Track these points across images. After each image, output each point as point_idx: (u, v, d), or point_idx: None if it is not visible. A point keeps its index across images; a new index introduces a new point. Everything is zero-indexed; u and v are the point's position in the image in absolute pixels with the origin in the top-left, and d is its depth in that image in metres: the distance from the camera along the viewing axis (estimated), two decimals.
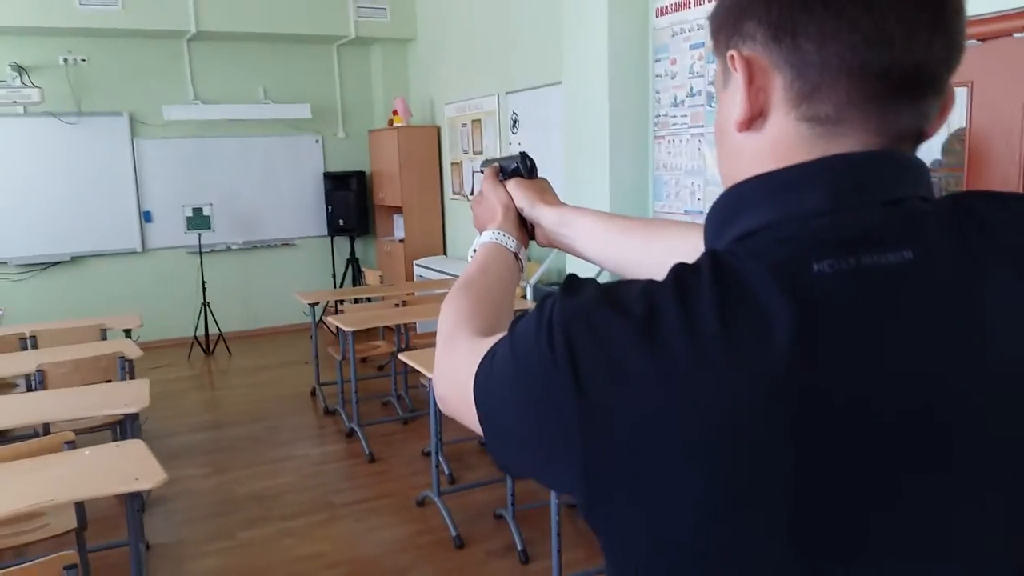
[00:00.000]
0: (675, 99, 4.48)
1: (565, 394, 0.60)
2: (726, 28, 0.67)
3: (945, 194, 0.67)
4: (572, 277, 0.67)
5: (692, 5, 4.28)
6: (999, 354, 0.59)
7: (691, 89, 4.36)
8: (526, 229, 1.11)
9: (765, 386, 0.55)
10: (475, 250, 1.06)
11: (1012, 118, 3.03)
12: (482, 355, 0.72)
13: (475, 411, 0.72)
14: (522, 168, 1.13)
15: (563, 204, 1.10)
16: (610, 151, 4.57)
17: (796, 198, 0.62)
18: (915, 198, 0.63)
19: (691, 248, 0.64)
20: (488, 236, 1.06)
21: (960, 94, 3.18)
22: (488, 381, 0.70)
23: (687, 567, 0.60)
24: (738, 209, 0.66)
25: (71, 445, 2.77)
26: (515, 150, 5.90)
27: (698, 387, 0.56)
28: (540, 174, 1.16)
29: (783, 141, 0.65)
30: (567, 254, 1.13)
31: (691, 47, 4.32)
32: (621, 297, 0.62)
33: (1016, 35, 2.97)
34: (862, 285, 0.58)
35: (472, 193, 6.96)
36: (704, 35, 4.21)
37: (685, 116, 4.42)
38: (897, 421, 0.56)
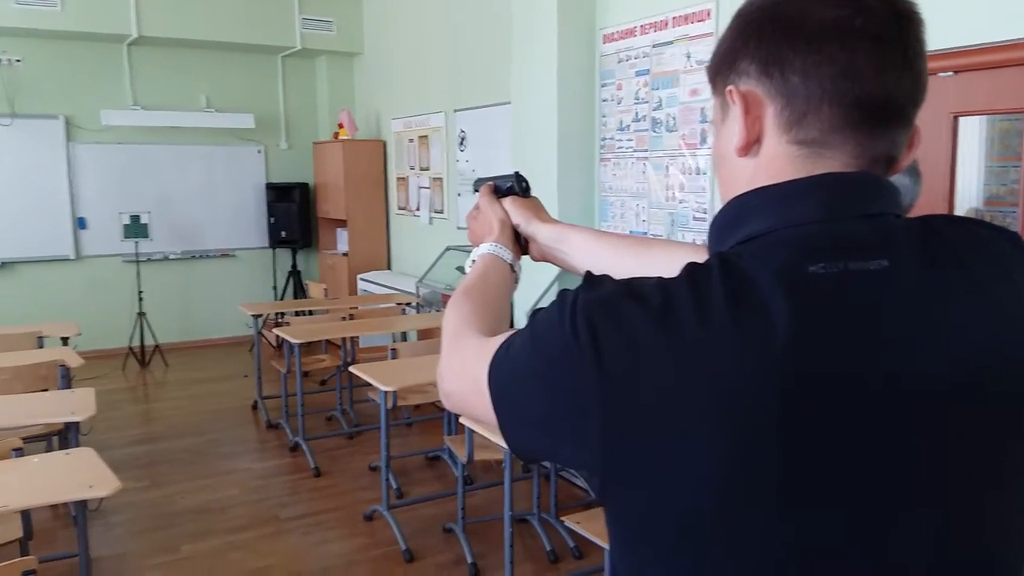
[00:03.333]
0: (621, 123, 4.63)
1: (587, 374, 0.68)
2: (723, 69, 0.78)
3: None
4: (590, 274, 0.76)
5: (638, 33, 4.44)
6: (957, 349, 0.69)
7: (636, 114, 4.51)
8: (520, 244, 1.19)
9: (766, 367, 0.64)
10: (474, 261, 1.13)
11: (939, 153, 3.25)
12: (493, 350, 0.79)
13: (487, 400, 0.78)
14: (517, 187, 1.21)
15: (557, 222, 1.18)
16: (558, 172, 4.69)
17: (792, 208, 0.72)
18: (889, 214, 0.73)
19: (679, 264, 0.73)
20: (486, 248, 1.13)
21: None
22: (504, 369, 0.77)
23: (696, 529, 0.68)
24: (741, 217, 0.75)
25: (19, 452, 2.71)
26: (464, 167, 5.99)
27: (708, 367, 0.65)
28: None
29: (776, 161, 0.75)
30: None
31: (637, 73, 4.48)
32: (639, 289, 0.70)
33: (941, 75, 3.20)
34: (848, 286, 0.68)
35: (418, 209, 7.00)
36: (649, 62, 4.38)
37: (630, 140, 4.57)
38: (873, 399, 0.66)
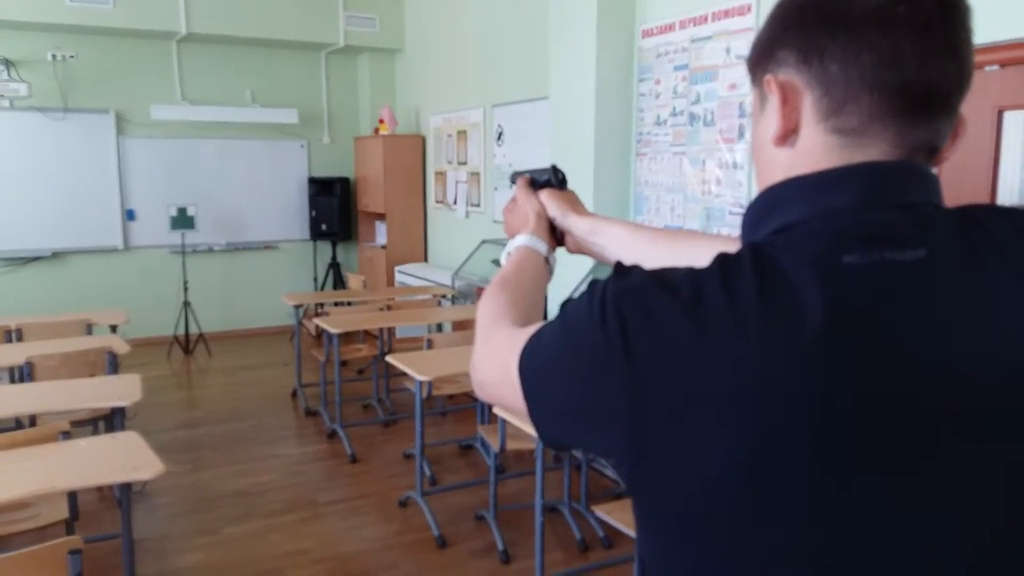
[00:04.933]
0: (658, 118, 4.62)
1: (616, 364, 0.68)
2: (762, 60, 0.77)
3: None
4: (620, 264, 0.76)
5: (677, 28, 4.42)
6: (995, 341, 0.67)
7: (674, 109, 4.50)
8: (555, 236, 1.19)
9: (798, 358, 0.63)
10: (509, 253, 1.14)
11: (982, 148, 3.19)
12: (525, 339, 0.80)
13: (518, 389, 0.79)
14: (554, 180, 1.22)
15: (594, 214, 1.18)
16: (594, 166, 4.70)
17: (828, 197, 0.71)
18: (928, 204, 0.71)
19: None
20: (522, 240, 1.13)
21: None
22: (535, 358, 0.78)
23: (722, 522, 0.67)
24: (774, 206, 0.74)
25: (66, 435, 2.80)
26: (501, 162, 5.99)
27: (737, 358, 0.64)
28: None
29: (813, 150, 0.73)
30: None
31: (675, 68, 4.46)
32: (669, 279, 0.70)
33: (987, 68, 3.14)
34: (884, 277, 0.66)
35: (455, 203, 7.05)
36: (687, 57, 4.36)
37: (667, 135, 4.56)
38: (908, 394, 0.65)
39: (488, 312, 0.96)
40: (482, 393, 0.92)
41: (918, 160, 0.72)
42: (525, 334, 0.81)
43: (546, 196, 1.20)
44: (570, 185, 1.24)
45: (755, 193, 0.80)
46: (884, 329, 0.65)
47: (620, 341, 0.67)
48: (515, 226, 1.19)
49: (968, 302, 0.67)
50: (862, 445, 0.64)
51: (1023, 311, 0.68)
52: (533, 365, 0.78)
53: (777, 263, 0.67)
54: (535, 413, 0.79)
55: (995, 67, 3.12)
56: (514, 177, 1.27)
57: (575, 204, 1.19)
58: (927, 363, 0.65)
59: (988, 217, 0.73)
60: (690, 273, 0.69)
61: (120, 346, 4.11)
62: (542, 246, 1.13)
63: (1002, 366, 0.66)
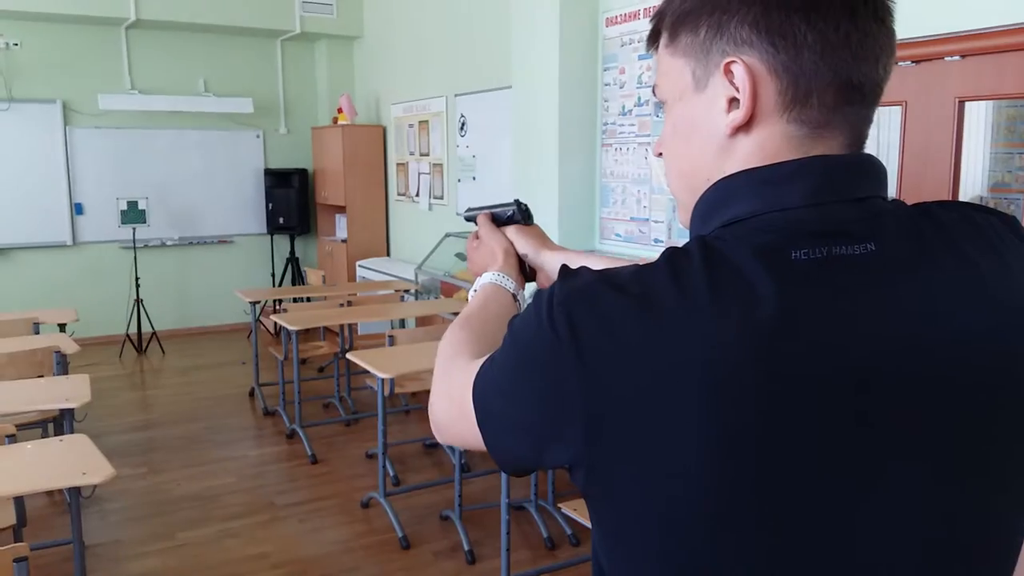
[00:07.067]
0: (623, 108, 4.58)
1: (568, 366, 0.65)
2: (704, 29, 0.71)
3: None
4: (566, 267, 0.73)
5: (642, 16, 4.38)
6: (944, 334, 0.67)
7: (639, 99, 4.46)
8: (524, 273, 1.16)
9: (750, 348, 0.62)
10: (475, 291, 1.10)
11: (944, 139, 3.20)
12: (478, 368, 0.77)
13: (473, 419, 0.76)
14: (518, 215, 1.19)
15: (565, 250, 1.16)
16: (559, 157, 4.64)
17: (779, 192, 0.69)
18: (877, 197, 0.71)
19: None
20: (489, 278, 1.10)
21: (895, 112, 3.35)
22: (486, 379, 0.76)
23: (681, 525, 0.66)
24: (726, 200, 0.72)
25: (12, 439, 2.69)
26: (463, 152, 5.88)
27: (691, 350, 0.62)
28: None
29: (772, 141, 0.71)
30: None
31: (640, 57, 4.43)
32: (617, 277, 0.68)
33: (947, 59, 3.14)
34: (832, 272, 0.66)
35: (417, 195, 6.95)
36: None
37: (633, 125, 4.52)
38: (857, 386, 0.65)
39: (447, 349, 0.92)
40: (441, 435, 0.88)
41: (866, 152, 0.73)
42: (479, 363, 0.78)
43: (514, 233, 1.18)
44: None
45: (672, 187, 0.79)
46: (835, 318, 0.65)
47: (571, 342, 0.65)
48: (480, 264, 1.16)
49: (917, 291, 0.67)
50: (818, 430, 0.64)
51: (972, 298, 0.68)
52: (485, 385, 0.76)
53: (726, 255, 0.66)
54: (489, 436, 0.76)
55: (956, 57, 3.13)
56: (471, 214, 1.23)
57: (544, 240, 1.18)
58: (878, 349, 0.65)
59: (938, 210, 0.73)
60: (638, 269, 0.68)
61: (69, 345, 3.97)
62: (510, 283, 1.10)
63: (952, 350, 0.67)
